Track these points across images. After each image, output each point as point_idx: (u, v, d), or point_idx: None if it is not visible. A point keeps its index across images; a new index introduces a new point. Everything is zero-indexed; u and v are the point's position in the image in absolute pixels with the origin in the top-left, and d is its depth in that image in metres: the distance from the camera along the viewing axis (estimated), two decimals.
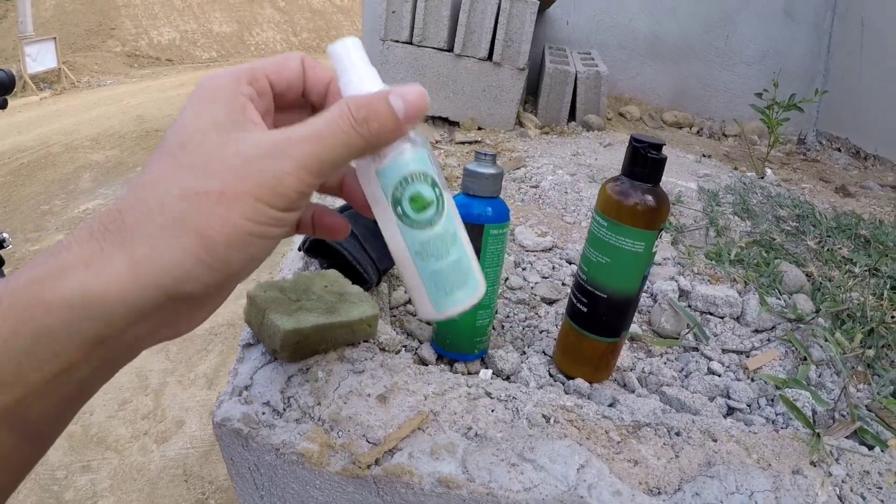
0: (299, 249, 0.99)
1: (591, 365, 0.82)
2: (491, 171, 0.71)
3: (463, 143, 2.15)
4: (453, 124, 2.43)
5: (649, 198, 0.70)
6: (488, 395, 0.69)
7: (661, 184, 0.72)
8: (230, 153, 0.38)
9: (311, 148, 0.39)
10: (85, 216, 3.59)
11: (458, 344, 0.80)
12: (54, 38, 8.66)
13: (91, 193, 4.07)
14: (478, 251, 0.72)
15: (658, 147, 0.69)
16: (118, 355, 0.38)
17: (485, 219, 0.72)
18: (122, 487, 1.59)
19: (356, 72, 0.44)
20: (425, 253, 0.46)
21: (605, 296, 0.75)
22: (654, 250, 0.73)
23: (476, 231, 0.72)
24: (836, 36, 3.05)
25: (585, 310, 0.78)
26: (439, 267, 0.47)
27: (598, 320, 0.77)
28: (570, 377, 0.84)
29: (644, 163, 0.70)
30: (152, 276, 0.35)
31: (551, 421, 0.66)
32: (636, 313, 1.04)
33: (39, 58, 8.26)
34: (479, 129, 2.39)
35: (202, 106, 0.40)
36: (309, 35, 14.83)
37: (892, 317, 1.02)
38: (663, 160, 0.70)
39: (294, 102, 0.48)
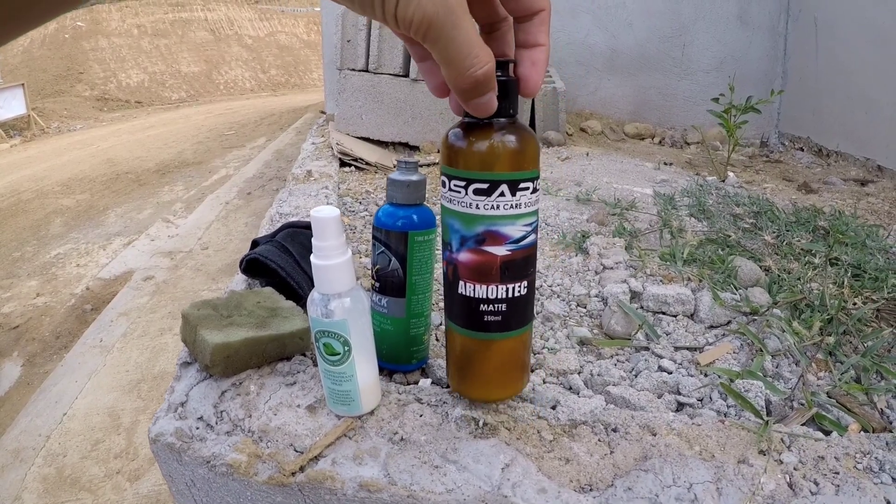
0: (240, 271, 0.98)
1: (498, 374, 0.64)
2: (412, 178, 0.71)
3: (422, 165, 2.16)
4: (413, 148, 2.43)
5: (510, 137, 0.55)
6: (418, 400, 0.68)
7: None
8: None
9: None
10: (56, 261, 3.59)
11: (394, 354, 0.78)
12: (22, 85, 8.60)
13: (62, 238, 4.05)
14: (404, 259, 0.72)
15: (503, 65, 0.52)
16: None
17: (409, 226, 0.71)
18: None
19: (327, 242, 0.58)
20: (326, 374, 0.64)
21: None
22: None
23: (401, 239, 0.71)
24: (792, 38, 3.10)
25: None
26: (333, 388, 0.64)
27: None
28: (476, 400, 0.68)
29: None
30: None
31: (480, 423, 0.64)
32: (587, 317, 1.03)
33: (7, 105, 8.17)
34: (439, 151, 2.40)
35: None
36: (278, 71, 14.85)
37: (854, 303, 1.01)
38: (513, 82, 0.53)
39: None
